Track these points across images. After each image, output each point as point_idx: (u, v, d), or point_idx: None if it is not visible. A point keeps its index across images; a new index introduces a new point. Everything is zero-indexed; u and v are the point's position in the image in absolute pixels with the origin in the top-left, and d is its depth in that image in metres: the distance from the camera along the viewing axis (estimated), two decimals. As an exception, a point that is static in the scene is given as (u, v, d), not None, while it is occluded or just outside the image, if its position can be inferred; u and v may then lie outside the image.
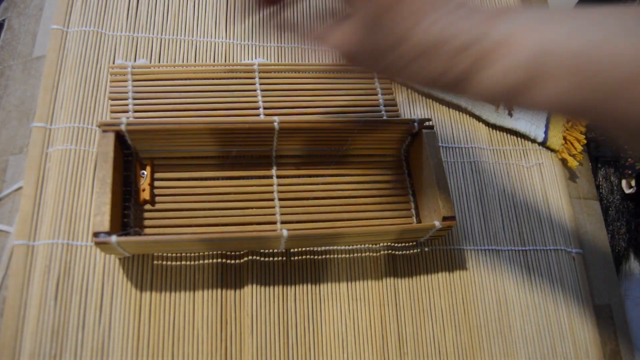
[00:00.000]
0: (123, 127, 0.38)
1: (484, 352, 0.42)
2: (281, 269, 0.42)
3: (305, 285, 0.41)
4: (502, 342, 0.43)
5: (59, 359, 0.35)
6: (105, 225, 0.34)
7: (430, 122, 0.44)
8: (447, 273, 0.44)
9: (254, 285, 0.40)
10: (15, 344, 0.35)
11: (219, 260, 0.41)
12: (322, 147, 0.45)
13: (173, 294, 0.39)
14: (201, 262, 0.40)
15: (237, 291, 0.40)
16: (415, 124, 0.43)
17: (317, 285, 0.42)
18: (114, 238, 0.34)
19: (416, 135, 0.44)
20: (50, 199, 0.40)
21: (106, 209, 0.35)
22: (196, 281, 0.40)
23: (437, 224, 0.39)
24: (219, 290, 0.40)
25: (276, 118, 0.41)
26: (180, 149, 0.42)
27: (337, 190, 0.44)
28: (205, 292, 0.40)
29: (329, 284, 0.42)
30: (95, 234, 0.34)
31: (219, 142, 0.42)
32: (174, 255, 0.40)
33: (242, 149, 0.43)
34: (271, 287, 0.41)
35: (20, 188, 0.40)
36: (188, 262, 0.40)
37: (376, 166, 0.46)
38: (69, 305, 0.37)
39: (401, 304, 0.42)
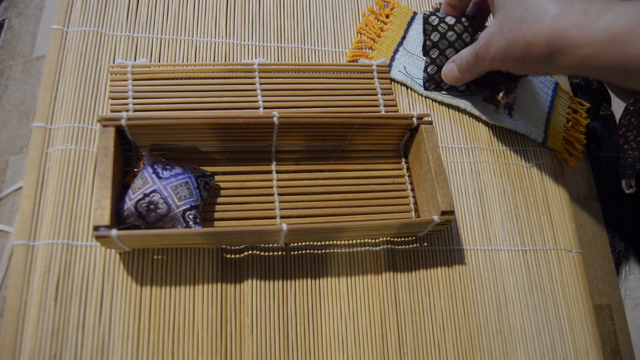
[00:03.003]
0: (123, 122, 0.38)
1: (484, 352, 0.42)
2: (281, 265, 0.42)
3: (305, 283, 0.42)
4: (502, 342, 0.43)
5: (59, 359, 0.35)
6: (106, 219, 0.34)
7: (429, 118, 0.44)
8: (447, 273, 0.44)
9: (254, 283, 0.40)
10: (15, 344, 0.35)
11: (219, 256, 0.41)
12: (321, 142, 0.45)
13: (173, 293, 0.39)
14: (201, 258, 0.40)
15: (237, 289, 0.40)
16: (414, 119, 0.43)
17: (317, 283, 0.42)
18: (114, 232, 0.34)
19: (415, 130, 0.44)
20: (50, 199, 0.40)
21: (106, 203, 0.35)
22: (196, 280, 0.40)
23: (436, 218, 0.40)
24: (219, 288, 0.40)
25: (275, 112, 0.41)
26: (180, 144, 0.42)
27: (337, 185, 0.44)
28: (206, 290, 0.40)
29: (329, 283, 0.42)
30: (96, 228, 0.34)
31: (219, 137, 0.42)
32: (173, 252, 0.40)
33: (242, 145, 0.43)
34: (271, 285, 0.41)
35: (20, 188, 0.40)
36: (188, 260, 0.40)
37: (375, 161, 0.46)
38: (69, 305, 0.37)
39: (401, 304, 0.42)
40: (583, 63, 0.33)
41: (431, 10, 0.54)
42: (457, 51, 0.48)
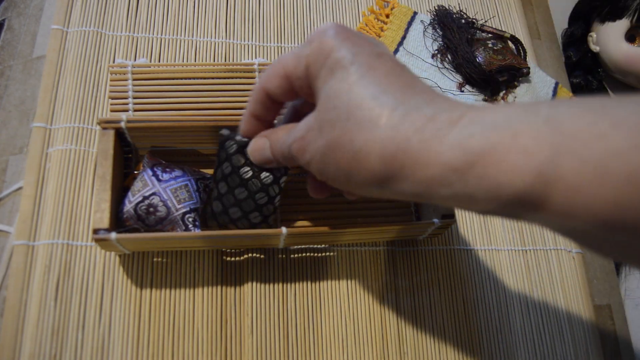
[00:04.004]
0: (123, 125, 0.38)
1: (484, 352, 0.42)
2: (281, 267, 0.42)
3: (305, 284, 0.41)
4: (502, 342, 0.43)
5: (59, 359, 0.35)
6: (105, 222, 0.34)
7: None
8: (447, 273, 0.44)
9: (254, 284, 0.40)
10: (15, 344, 0.35)
11: (219, 258, 0.41)
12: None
13: (173, 294, 0.39)
14: (201, 260, 0.40)
15: (237, 290, 0.40)
16: None
17: (317, 285, 0.42)
18: (113, 235, 0.34)
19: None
20: (50, 199, 0.40)
21: (106, 205, 0.35)
22: (196, 281, 0.40)
23: (437, 221, 0.39)
24: (219, 290, 0.40)
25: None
26: (180, 146, 0.42)
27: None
28: (205, 291, 0.40)
29: (329, 284, 0.42)
30: (95, 231, 0.34)
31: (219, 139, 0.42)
32: (173, 254, 0.40)
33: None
34: (271, 286, 0.41)
35: (20, 188, 0.40)
36: (188, 261, 0.40)
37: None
38: (69, 305, 0.37)
39: (401, 304, 0.42)
40: (430, 190, 0.22)
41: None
42: (250, 192, 0.36)
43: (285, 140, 0.29)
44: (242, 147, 0.36)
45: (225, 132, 0.36)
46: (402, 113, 0.22)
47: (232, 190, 0.37)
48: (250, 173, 0.36)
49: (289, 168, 0.38)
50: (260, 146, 0.33)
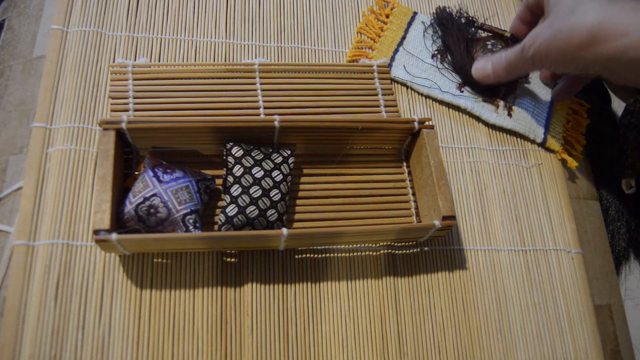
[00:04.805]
0: (124, 125, 0.38)
1: (484, 352, 0.42)
2: (281, 268, 0.42)
3: (305, 285, 0.41)
4: (502, 342, 0.43)
5: (59, 359, 0.35)
6: (106, 223, 0.34)
7: (431, 122, 0.44)
8: (447, 273, 0.44)
9: (254, 285, 0.40)
10: (15, 344, 0.35)
11: (219, 259, 0.41)
12: (322, 146, 0.45)
13: (173, 294, 0.39)
14: (201, 261, 0.40)
15: (237, 290, 0.40)
16: (416, 123, 0.43)
17: (317, 285, 0.42)
18: (114, 236, 0.34)
19: (416, 134, 0.44)
20: (50, 199, 0.40)
21: (106, 206, 0.35)
22: (196, 281, 0.40)
23: (437, 223, 0.39)
24: (219, 290, 0.40)
25: (276, 117, 0.41)
26: (180, 147, 0.42)
27: (337, 190, 0.44)
28: (206, 291, 0.40)
29: (329, 284, 0.42)
30: (96, 232, 0.34)
31: (220, 140, 0.42)
32: (173, 254, 0.40)
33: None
34: (271, 287, 0.41)
35: (20, 188, 0.40)
36: (188, 261, 0.40)
37: (376, 165, 0.46)
38: (69, 305, 0.37)
39: (401, 304, 0.42)
40: (621, 53, 0.35)
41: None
42: (263, 190, 0.39)
43: (513, 49, 0.45)
44: (249, 151, 0.40)
45: (229, 144, 0.40)
46: (612, 2, 0.37)
47: (247, 190, 0.39)
48: (262, 172, 0.40)
49: (295, 149, 0.43)
50: (482, 66, 0.48)
